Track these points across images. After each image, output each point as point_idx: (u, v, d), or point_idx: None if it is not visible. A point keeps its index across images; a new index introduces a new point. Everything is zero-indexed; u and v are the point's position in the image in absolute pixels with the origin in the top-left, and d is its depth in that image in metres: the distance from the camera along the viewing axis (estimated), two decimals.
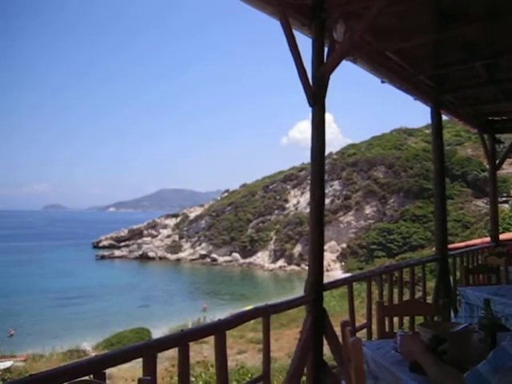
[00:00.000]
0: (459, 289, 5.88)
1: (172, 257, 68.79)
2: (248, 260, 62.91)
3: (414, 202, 54.97)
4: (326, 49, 4.28)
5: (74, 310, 39.07)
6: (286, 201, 67.92)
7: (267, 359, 3.71)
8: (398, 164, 60.15)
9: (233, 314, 3.52)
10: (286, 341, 20.73)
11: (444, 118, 8.00)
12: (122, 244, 76.10)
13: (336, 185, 62.14)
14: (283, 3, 3.96)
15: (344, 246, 57.28)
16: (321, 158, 4.14)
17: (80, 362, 2.52)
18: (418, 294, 7.87)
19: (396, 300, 6.09)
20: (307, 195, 64.07)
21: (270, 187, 71.97)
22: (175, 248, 70.14)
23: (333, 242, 56.32)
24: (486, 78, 6.81)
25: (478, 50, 5.92)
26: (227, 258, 64.66)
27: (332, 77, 4.16)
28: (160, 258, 69.24)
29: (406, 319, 5.37)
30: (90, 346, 26.40)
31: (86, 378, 2.29)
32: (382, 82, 6.41)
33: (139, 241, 74.19)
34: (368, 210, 59.13)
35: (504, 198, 41.34)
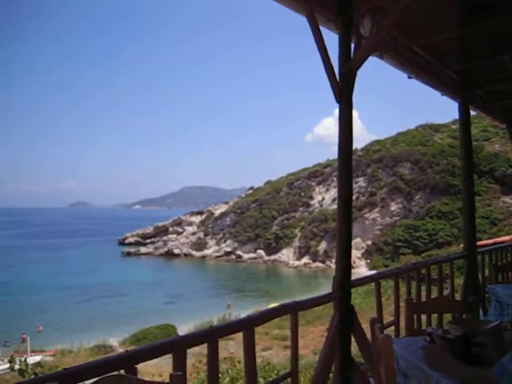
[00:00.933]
0: (489, 286, 5.81)
1: (197, 254, 69.15)
2: (273, 257, 62.95)
3: (441, 199, 54.40)
4: (352, 45, 4.26)
5: (100, 306, 39.57)
6: (311, 198, 67.75)
7: (295, 356, 3.71)
8: (424, 160, 59.56)
9: (261, 311, 3.54)
10: (311, 338, 20.69)
11: (471, 113, 7.88)
12: (148, 241, 76.79)
13: (361, 181, 61.77)
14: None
15: (369, 242, 56.99)
16: (348, 154, 4.12)
17: (112, 357, 2.56)
18: (446, 292, 7.79)
19: (424, 297, 6.04)
20: (332, 192, 63.91)
21: (295, 184, 71.84)
22: (200, 245, 70.49)
23: (358, 239, 56.00)
24: None
25: (506, 43, 5.82)
26: (252, 255, 64.79)
27: (358, 72, 4.14)
28: (185, 255, 69.67)
29: (434, 317, 5.32)
30: (116, 341, 26.73)
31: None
32: (409, 77, 6.34)
33: (165, 238, 74.76)
34: (393, 207, 58.72)
35: None
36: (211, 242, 70.88)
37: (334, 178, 66.31)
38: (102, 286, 49.33)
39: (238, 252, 66.10)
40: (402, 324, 4.61)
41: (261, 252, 64.30)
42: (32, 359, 21.28)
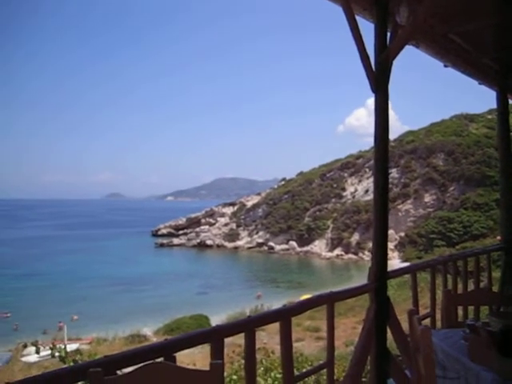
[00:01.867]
0: None
1: (229, 245, 69.50)
2: (305, 248, 62.90)
3: (476, 190, 53.51)
4: (388, 34, 4.20)
5: (134, 296, 40.15)
6: (343, 189, 67.42)
7: (332, 347, 3.71)
8: (459, 151, 58.60)
9: (298, 301, 3.54)
10: (343, 329, 20.62)
11: (510, 102, 7.70)
12: (181, 232, 77.42)
13: (394, 172, 61.08)
14: None
15: (402, 234, 56.43)
16: (384, 145, 4.07)
17: (152, 345, 2.60)
18: (482, 285, 7.67)
19: (460, 290, 5.96)
20: (365, 183, 63.46)
21: (327, 175, 71.58)
22: (233, 236, 70.83)
23: (391, 231, 55.41)
24: None
25: None
26: (284, 247, 64.84)
27: (394, 62, 4.09)
28: (218, 246, 70.10)
29: (470, 309, 5.25)
30: (150, 331, 27.07)
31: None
32: (445, 66, 6.23)
33: (197, 229, 75.28)
34: (427, 199, 58.00)
35: None
36: (243, 233, 71.15)
37: (367, 170, 65.83)
38: (137, 276, 50.05)
39: (270, 243, 66.22)
40: (438, 316, 4.56)
41: (293, 243, 64.30)
42: (69, 347, 21.74)
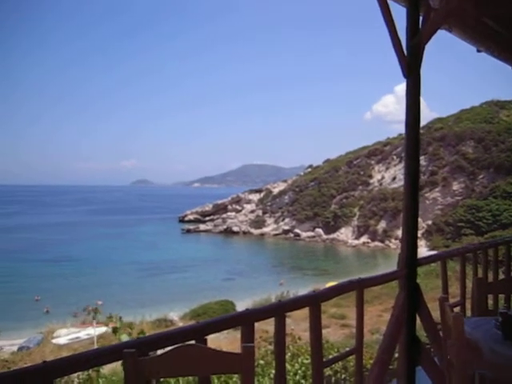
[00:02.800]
0: None
1: (256, 231, 69.74)
2: (331, 236, 62.80)
3: (506, 178, 52.68)
4: (420, 18, 4.13)
5: (161, 282, 40.65)
6: (370, 176, 66.98)
7: (361, 333, 3.71)
8: (489, 138, 57.68)
9: (328, 287, 3.54)
10: (369, 317, 20.46)
11: None
12: (207, 218, 77.91)
13: (422, 160, 60.25)
14: None
15: (429, 222, 55.92)
16: (416, 131, 4.02)
17: (185, 327, 2.65)
18: None
19: (490, 278, 5.88)
20: (392, 171, 62.92)
21: (354, 163, 71.15)
22: (259, 223, 71.02)
23: (418, 219, 55.05)
24: None
25: None
26: (310, 234, 64.82)
27: (426, 47, 4.02)
28: (244, 233, 70.41)
29: (500, 298, 5.18)
30: (176, 316, 27.38)
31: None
32: (478, 51, 6.10)
33: (224, 215, 75.66)
34: (455, 187, 57.32)
35: None
36: (269, 220, 71.28)
37: (394, 157, 65.23)
38: (164, 261, 50.61)
39: (296, 230, 66.25)
40: (468, 305, 4.52)
41: (319, 230, 64.23)
42: (98, 330, 22.14)
